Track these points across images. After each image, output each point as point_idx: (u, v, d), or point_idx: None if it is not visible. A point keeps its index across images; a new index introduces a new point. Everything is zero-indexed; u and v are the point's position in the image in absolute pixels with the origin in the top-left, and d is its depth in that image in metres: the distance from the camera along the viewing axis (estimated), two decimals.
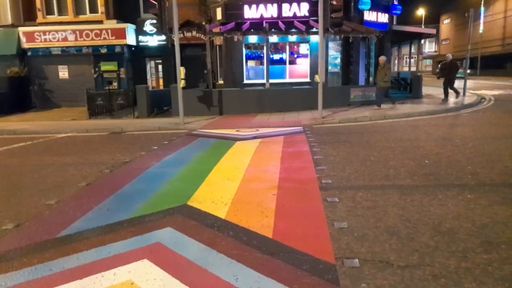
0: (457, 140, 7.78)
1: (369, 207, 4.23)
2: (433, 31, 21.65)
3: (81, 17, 18.94)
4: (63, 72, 19.45)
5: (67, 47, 18.86)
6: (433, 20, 63.60)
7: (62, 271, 3.09)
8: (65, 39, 18.66)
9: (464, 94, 17.83)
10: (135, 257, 3.27)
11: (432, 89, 22.87)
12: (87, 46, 18.84)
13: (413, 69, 25.30)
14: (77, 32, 18.56)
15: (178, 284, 2.83)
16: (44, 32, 18.63)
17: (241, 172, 5.90)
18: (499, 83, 28.48)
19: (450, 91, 15.10)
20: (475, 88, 22.31)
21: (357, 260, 3.08)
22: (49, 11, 19.00)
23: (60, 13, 19.01)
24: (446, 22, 61.52)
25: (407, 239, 3.42)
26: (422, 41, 28.64)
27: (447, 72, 15.00)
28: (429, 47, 68.81)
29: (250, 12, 15.41)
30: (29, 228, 4.05)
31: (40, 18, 18.85)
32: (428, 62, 67.25)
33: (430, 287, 2.68)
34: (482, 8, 45.25)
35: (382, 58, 13.60)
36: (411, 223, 3.77)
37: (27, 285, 2.91)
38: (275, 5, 15.34)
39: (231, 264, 3.09)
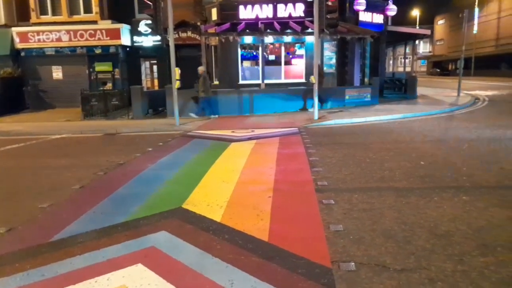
0: (451, 142, 7.80)
1: (365, 209, 4.21)
2: (428, 31, 21.77)
3: (75, 17, 18.79)
4: (57, 73, 19.29)
5: (61, 47, 18.71)
6: (427, 21, 63.87)
7: (54, 277, 3.04)
8: (59, 39, 18.51)
9: (458, 94, 17.95)
10: (130, 262, 3.23)
11: (427, 89, 23.00)
12: (82, 47, 18.70)
13: (408, 69, 25.43)
14: (71, 32, 18.41)
15: None
16: (38, 32, 18.48)
17: (237, 174, 5.87)
18: (493, 84, 28.64)
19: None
20: (470, 89, 22.42)
21: (353, 263, 3.06)
22: (43, 11, 18.84)
23: (54, 13, 18.85)
24: (440, 23, 61.86)
25: (403, 242, 3.41)
26: (417, 41, 28.72)
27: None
28: (423, 47, 69.12)
29: (245, 13, 15.37)
30: (22, 232, 3.99)
31: (33, 18, 18.68)
32: (423, 62, 67.56)
33: None
34: (476, 9, 45.53)
35: (201, 69, 13.46)
36: (407, 225, 3.76)
37: None
38: (270, 5, 15.30)
39: (226, 268, 3.06)
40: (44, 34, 18.48)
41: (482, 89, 22.94)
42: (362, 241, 3.46)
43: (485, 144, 7.47)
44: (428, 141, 8.00)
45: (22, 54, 18.86)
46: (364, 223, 3.84)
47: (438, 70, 56.89)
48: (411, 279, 2.81)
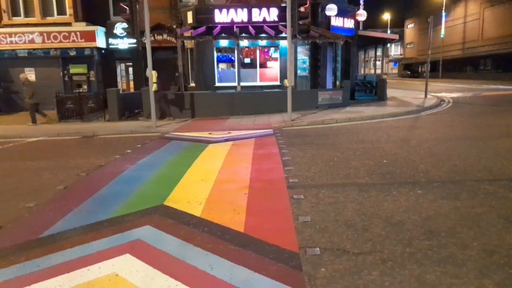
0: (414, 142, 8.42)
1: (330, 203, 4.68)
2: (396, 36, 22.69)
3: (49, 19, 18.67)
4: (30, 75, 19.05)
5: (34, 49, 18.54)
6: (398, 24, 65.96)
7: (49, 267, 3.34)
8: (32, 41, 18.35)
9: (425, 96, 18.87)
10: (118, 253, 3.56)
11: (397, 91, 23.97)
12: (55, 49, 18.59)
13: (379, 71, 26.37)
14: (45, 34, 18.29)
15: (159, 274, 3.16)
16: (10, 34, 18.26)
17: (214, 174, 6.24)
18: (459, 86, 30.06)
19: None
20: (436, 91, 23.54)
21: (318, 248, 3.50)
22: (15, 13, 18.65)
23: (27, 15, 18.68)
24: (410, 27, 63.91)
25: (362, 230, 3.88)
26: (388, 44, 29.80)
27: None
28: (395, 50, 71.20)
29: (221, 17, 15.76)
30: (12, 230, 4.24)
31: (5, 20, 18.46)
32: (395, 65, 69.57)
33: (378, 269, 3.13)
34: (443, 14, 47.43)
35: (23, 76, 14.20)
36: (366, 216, 4.23)
37: (18, 279, 3.15)
38: (245, 9, 15.75)
39: (206, 255, 3.44)
40: (16, 36, 18.29)
41: (448, 91, 24.12)
42: (326, 230, 3.91)
43: (443, 143, 8.12)
44: (392, 141, 8.59)
45: None
46: (329, 215, 4.30)
47: (409, 72, 58.89)
48: (366, 260, 3.27)
